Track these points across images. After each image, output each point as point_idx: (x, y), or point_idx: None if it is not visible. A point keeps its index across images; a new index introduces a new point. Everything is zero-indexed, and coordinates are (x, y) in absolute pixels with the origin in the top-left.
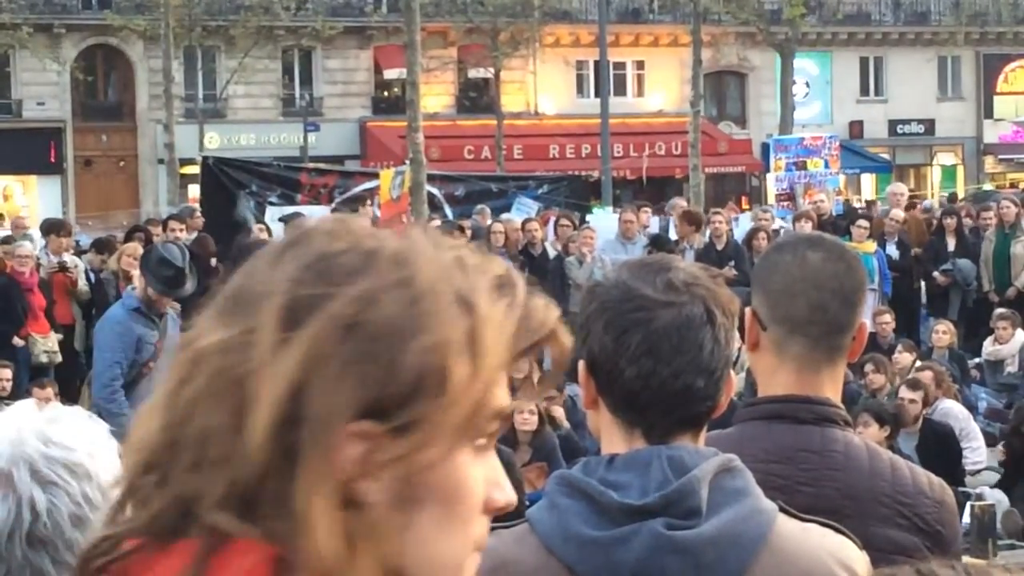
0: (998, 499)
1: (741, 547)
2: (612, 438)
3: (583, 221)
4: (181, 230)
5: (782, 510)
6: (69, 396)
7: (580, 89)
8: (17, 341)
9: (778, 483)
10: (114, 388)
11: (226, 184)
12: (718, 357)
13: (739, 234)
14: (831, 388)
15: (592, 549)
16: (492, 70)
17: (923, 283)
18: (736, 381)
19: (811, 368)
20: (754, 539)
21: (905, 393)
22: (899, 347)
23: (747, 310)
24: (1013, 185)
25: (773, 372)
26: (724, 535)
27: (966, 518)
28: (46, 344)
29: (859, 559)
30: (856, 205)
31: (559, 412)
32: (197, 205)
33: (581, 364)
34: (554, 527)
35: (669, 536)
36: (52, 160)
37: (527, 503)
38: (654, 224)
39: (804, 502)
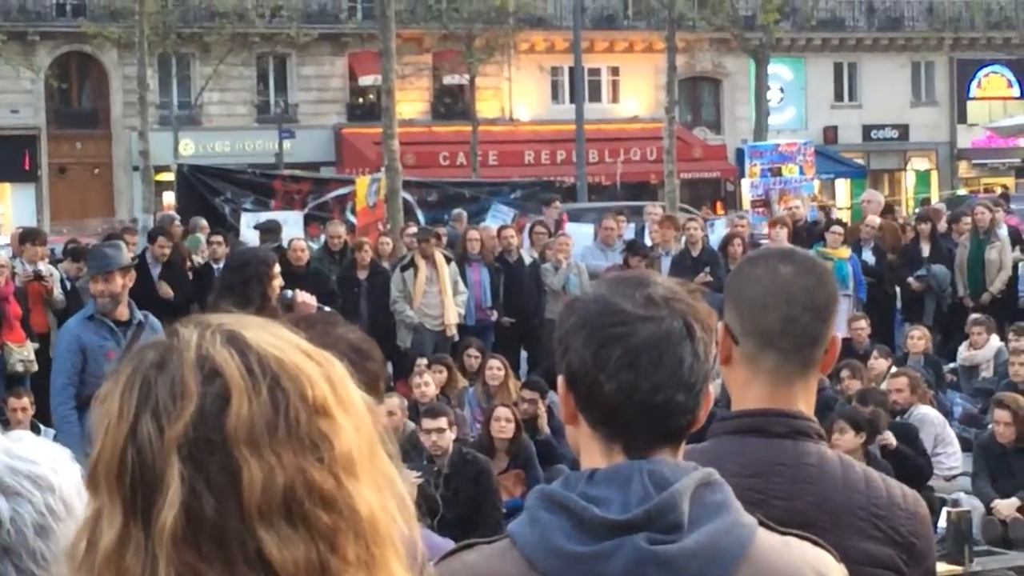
0: (974, 505)
1: (723, 561)
2: (592, 453)
3: (559, 226)
4: (167, 246)
5: (762, 524)
6: (45, 405)
7: (555, 95)
8: None
9: (753, 497)
10: (63, 399)
11: (201, 191)
12: (698, 371)
13: (715, 240)
14: (804, 401)
15: (575, 564)
16: (467, 76)
17: (898, 289)
18: (712, 390)
19: (784, 381)
20: (735, 553)
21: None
22: (874, 353)
23: (719, 324)
24: (987, 190)
25: (746, 385)
26: (706, 549)
27: (942, 523)
28: (21, 353)
29: (838, 571)
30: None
31: (543, 420)
32: (174, 212)
33: (560, 379)
34: (536, 542)
35: (651, 551)
36: (26, 168)
37: (504, 510)
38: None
39: (779, 515)
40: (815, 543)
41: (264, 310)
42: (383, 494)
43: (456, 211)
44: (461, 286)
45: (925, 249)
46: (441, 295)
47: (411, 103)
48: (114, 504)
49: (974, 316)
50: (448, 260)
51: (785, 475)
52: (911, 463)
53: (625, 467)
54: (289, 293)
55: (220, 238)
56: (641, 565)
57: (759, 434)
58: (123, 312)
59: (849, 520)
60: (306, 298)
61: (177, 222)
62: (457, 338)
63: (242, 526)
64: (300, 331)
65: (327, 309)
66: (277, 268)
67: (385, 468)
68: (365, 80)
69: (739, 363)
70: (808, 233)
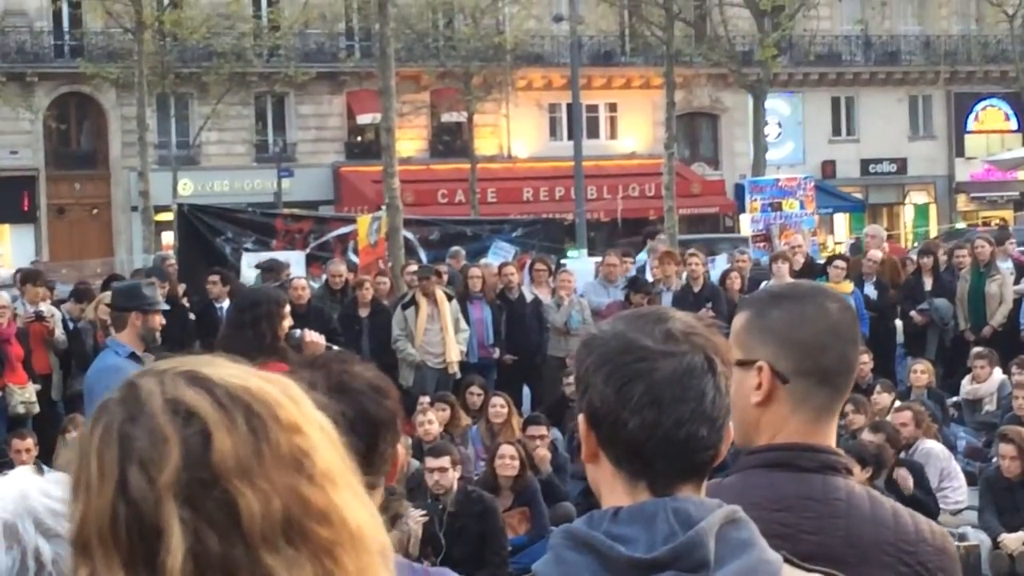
0: (981, 539)
1: None
2: (615, 491)
3: (558, 264)
4: (162, 286)
5: (787, 560)
6: (46, 447)
7: (553, 132)
8: None
9: (781, 531)
10: None
11: (201, 231)
12: (719, 405)
13: (716, 275)
14: (834, 435)
15: None
16: (465, 114)
17: (900, 323)
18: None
19: (828, 416)
20: None
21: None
22: (877, 387)
23: (761, 364)
24: (986, 223)
25: (783, 423)
26: None
27: None
28: (23, 395)
29: None
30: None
31: (545, 455)
32: (171, 252)
33: (581, 417)
34: None
35: None
36: (25, 209)
37: (509, 548)
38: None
39: (808, 550)
40: None
41: (274, 349)
42: (364, 504)
43: (453, 248)
44: (463, 323)
45: (927, 283)
46: (443, 333)
47: (409, 141)
48: (111, 563)
49: (976, 350)
50: (449, 298)
51: (814, 510)
52: (919, 503)
53: (650, 505)
54: (297, 332)
55: (217, 278)
56: None
57: (787, 468)
58: None
59: (877, 555)
60: (314, 337)
61: (171, 261)
62: (459, 376)
63: (248, 556)
64: (315, 370)
65: (335, 348)
66: (287, 308)
67: (357, 479)
68: (363, 118)
69: (782, 401)
70: (810, 268)
